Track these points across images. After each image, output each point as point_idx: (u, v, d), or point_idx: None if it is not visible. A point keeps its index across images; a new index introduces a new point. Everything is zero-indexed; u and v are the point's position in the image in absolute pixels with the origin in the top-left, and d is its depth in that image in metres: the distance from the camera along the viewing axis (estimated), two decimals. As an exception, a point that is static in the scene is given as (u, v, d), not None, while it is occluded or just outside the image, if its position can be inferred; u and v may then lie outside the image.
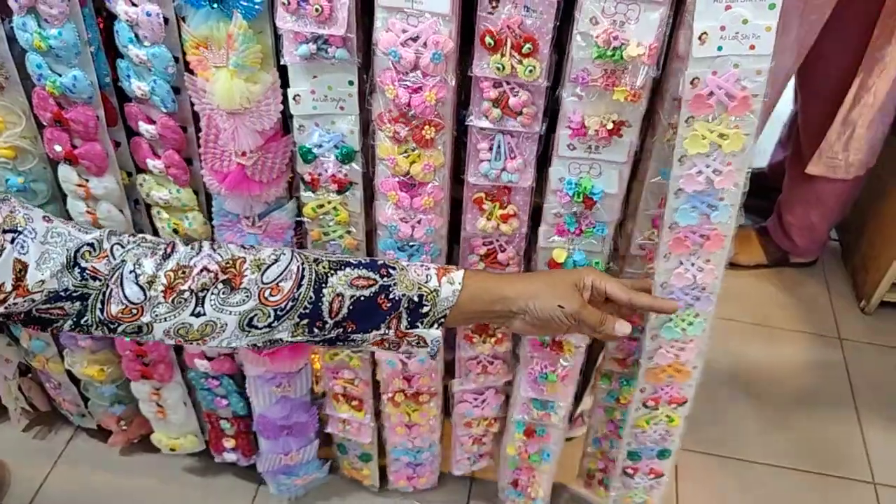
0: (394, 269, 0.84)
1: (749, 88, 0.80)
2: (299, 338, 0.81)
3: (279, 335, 0.80)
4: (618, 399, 1.31)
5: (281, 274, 0.80)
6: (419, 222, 1.01)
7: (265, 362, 1.25)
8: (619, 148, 0.89)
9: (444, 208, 1.02)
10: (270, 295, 0.79)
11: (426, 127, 0.91)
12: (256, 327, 0.79)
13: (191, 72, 0.93)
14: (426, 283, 0.84)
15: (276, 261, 0.80)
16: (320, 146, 0.98)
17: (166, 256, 0.78)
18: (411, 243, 1.04)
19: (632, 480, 1.36)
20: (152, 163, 1.06)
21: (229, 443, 1.51)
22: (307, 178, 1.01)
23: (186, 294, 0.77)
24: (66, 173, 1.09)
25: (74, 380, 1.51)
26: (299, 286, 0.79)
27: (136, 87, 0.97)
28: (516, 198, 0.99)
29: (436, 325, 0.84)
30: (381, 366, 1.25)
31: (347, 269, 0.82)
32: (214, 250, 0.80)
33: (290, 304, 0.79)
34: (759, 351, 2.00)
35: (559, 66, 0.88)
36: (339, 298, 0.80)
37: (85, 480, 1.63)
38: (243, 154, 0.97)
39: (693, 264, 0.97)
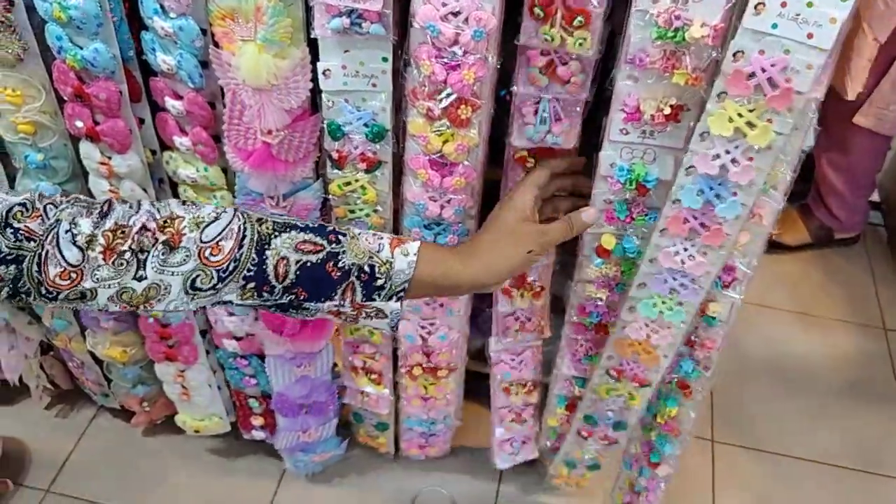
0: (343, 235, 0.79)
1: (794, 82, 0.73)
2: (249, 301, 0.77)
3: (227, 297, 0.76)
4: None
5: (221, 232, 0.75)
6: (448, 202, 0.97)
7: (285, 342, 1.22)
8: (677, 132, 0.83)
9: (475, 188, 0.97)
10: (211, 255, 0.74)
11: (462, 106, 0.86)
12: (201, 289, 0.75)
13: (216, 44, 0.88)
14: (378, 252, 0.79)
15: (216, 219, 0.76)
16: (350, 123, 0.93)
17: (103, 215, 0.73)
18: (439, 222, 0.99)
19: (584, 441, 1.34)
20: (179, 140, 1.02)
21: (257, 421, 1.49)
22: (335, 155, 0.97)
23: (128, 255, 0.72)
24: (88, 150, 1.05)
25: (97, 359, 1.49)
26: (240, 246, 0.75)
27: (162, 60, 0.93)
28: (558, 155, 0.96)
29: (394, 299, 0.80)
30: (400, 340, 1.22)
31: (293, 232, 0.77)
32: (153, 206, 0.76)
33: (233, 265, 0.75)
34: (801, 341, 1.94)
35: (612, 36, 0.82)
36: (284, 262, 0.76)
37: (108, 460, 1.62)
38: (269, 132, 0.92)
39: (686, 250, 0.92)
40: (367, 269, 0.78)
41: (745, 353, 1.87)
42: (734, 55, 0.74)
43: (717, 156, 0.80)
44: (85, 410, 1.70)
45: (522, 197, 0.89)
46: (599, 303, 1.06)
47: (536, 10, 0.78)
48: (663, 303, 1.00)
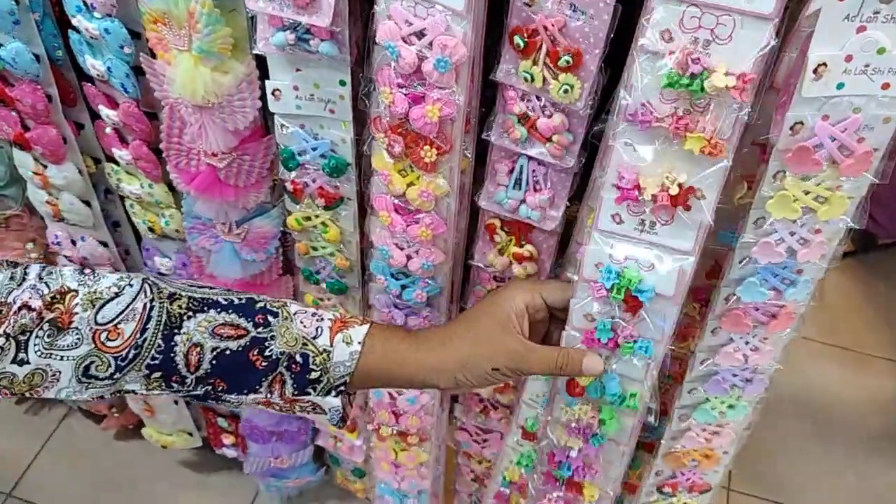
0: (275, 315, 0.65)
1: (869, 140, 0.58)
2: (156, 392, 0.64)
3: (129, 387, 0.64)
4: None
5: (121, 313, 0.62)
6: (417, 252, 0.82)
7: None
8: (685, 229, 0.63)
9: (447, 242, 0.81)
10: (108, 339, 0.61)
11: (425, 147, 0.71)
12: (97, 377, 0.62)
13: (151, 51, 0.75)
14: (314, 338, 0.65)
15: (116, 295, 0.62)
16: (305, 153, 0.79)
17: None
18: (406, 273, 0.85)
19: None
20: (119, 153, 0.90)
21: (228, 439, 1.38)
22: (290, 186, 0.83)
23: (1, 341, 0.60)
24: (21, 158, 0.93)
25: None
26: (144, 330, 0.62)
27: (91, 65, 0.80)
28: (538, 237, 0.78)
29: (333, 393, 0.65)
30: (369, 395, 1.07)
31: (212, 312, 0.63)
32: (41, 279, 0.62)
33: (133, 352, 0.61)
34: (838, 379, 1.75)
35: (611, 87, 0.65)
36: (198, 350, 0.62)
37: (75, 466, 1.52)
38: (214, 154, 0.79)
39: (747, 343, 0.77)
40: (299, 358, 0.64)
41: (774, 386, 1.70)
42: (792, 128, 0.58)
43: (781, 240, 0.66)
44: (56, 409, 1.60)
45: (512, 296, 0.70)
46: (572, 454, 0.83)
47: (517, 40, 0.63)
48: (722, 402, 0.84)
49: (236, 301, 0.64)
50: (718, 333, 0.76)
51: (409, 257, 0.81)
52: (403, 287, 0.84)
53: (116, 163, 0.92)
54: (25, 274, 0.61)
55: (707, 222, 0.62)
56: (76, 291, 0.62)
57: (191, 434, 1.41)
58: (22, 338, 0.60)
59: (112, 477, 1.50)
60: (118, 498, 1.47)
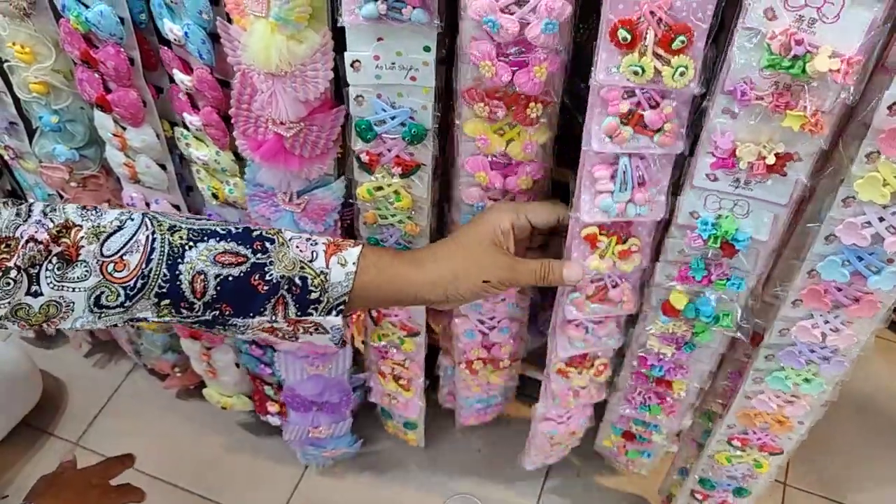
0: (271, 241, 0.69)
1: None
2: (167, 318, 0.68)
3: (141, 314, 0.67)
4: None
5: (125, 245, 0.65)
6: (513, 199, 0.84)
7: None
8: (780, 187, 0.66)
9: (543, 187, 0.83)
10: (115, 270, 0.64)
11: (531, 104, 0.72)
12: (108, 307, 0.65)
13: (229, 16, 0.75)
14: (311, 262, 0.69)
15: (119, 228, 0.65)
16: (383, 122, 0.78)
17: None
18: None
19: (699, 503, 1.19)
20: (189, 118, 0.90)
21: (273, 407, 1.39)
22: (364, 157, 0.83)
23: (14, 273, 0.62)
24: (101, 120, 0.94)
25: (129, 320, 1.42)
26: (149, 261, 0.65)
27: (169, 29, 0.80)
28: (641, 230, 0.78)
29: (334, 312, 0.70)
30: (458, 337, 1.10)
31: (211, 241, 0.67)
32: (46, 214, 0.65)
33: (141, 282, 0.65)
34: (907, 380, 1.69)
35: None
36: (202, 277, 0.66)
37: (139, 420, 1.56)
38: (282, 123, 0.79)
39: (827, 322, 0.77)
40: (298, 281, 0.68)
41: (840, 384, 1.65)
42: (890, 108, 0.57)
43: (868, 224, 0.65)
44: (122, 363, 1.64)
45: (498, 216, 0.76)
46: (664, 358, 0.90)
47: (622, 34, 0.60)
48: (798, 375, 0.85)
49: (234, 230, 0.68)
50: (798, 306, 0.77)
51: None
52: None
53: (187, 128, 0.93)
54: (30, 211, 0.65)
55: (803, 181, 0.63)
56: (80, 226, 0.65)
57: (250, 397, 1.44)
58: (33, 270, 0.63)
59: (173, 434, 1.53)
60: (177, 455, 1.51)
